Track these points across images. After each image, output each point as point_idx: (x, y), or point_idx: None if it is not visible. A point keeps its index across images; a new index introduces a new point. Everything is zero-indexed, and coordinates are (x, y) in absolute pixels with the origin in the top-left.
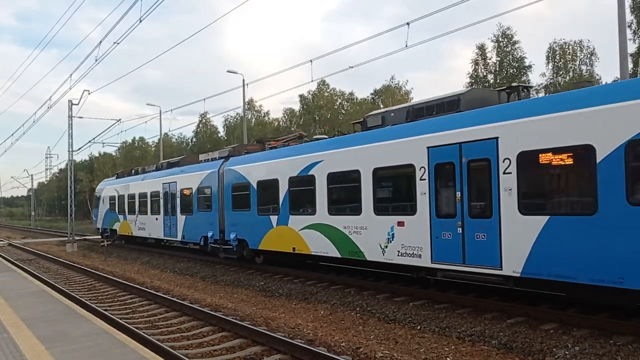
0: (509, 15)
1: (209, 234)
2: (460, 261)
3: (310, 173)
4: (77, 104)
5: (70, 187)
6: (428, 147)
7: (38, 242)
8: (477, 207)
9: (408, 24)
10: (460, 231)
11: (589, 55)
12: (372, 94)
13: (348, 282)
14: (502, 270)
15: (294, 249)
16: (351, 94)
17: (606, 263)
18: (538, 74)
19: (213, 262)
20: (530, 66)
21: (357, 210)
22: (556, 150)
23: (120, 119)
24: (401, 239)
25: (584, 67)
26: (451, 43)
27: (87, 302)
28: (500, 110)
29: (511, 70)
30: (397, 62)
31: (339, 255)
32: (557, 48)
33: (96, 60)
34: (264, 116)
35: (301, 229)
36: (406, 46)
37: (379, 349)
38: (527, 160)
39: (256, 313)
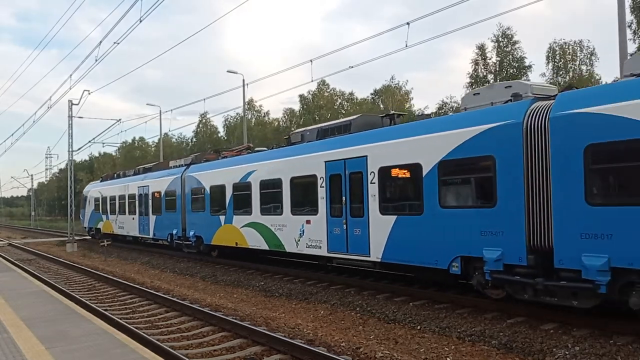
0: (509, 15)
1: (174, 232)
2: (345, 250)
3: (247, 180)
4: (77, 104)
5: (70, 187)
6: (325, 162)
7: (38, 242)
8: (355, 208)
9: (408, 23)
10: (345, 227)
11: (589, 55)
12: (372, 94)
13: (348, 282)
14: (370, 257)
15: (236, 243)
16: (351, 94)
17: (428, 250)
18: (538, 74)
19: (213, 262)
20: (530, 66)
21: (279, 211)
22: (400, 167)
23: (120, 119)
24: (309, 234)
25: (584, 67)
26: (451, 43)
27: (87, 302)
28: (369, 135)
29: (511, 70)
30: (397, 62)
31: (267, 248)
32: (557, 48)
33: (96, 60)
34: (264, 116)
35: (242, 227)
36: (406, 46)
37: (379, 349)
38: (384, 174)
39: (256, 313)
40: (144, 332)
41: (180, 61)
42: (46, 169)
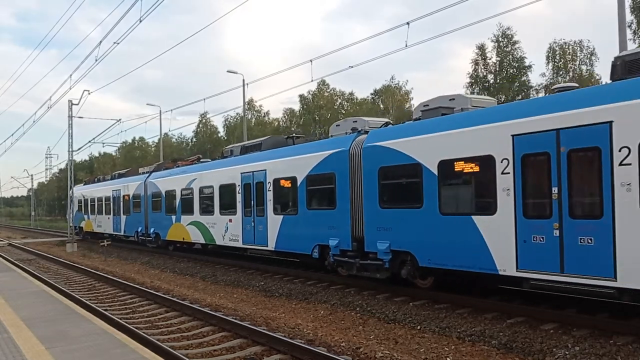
0: (509, 15)
1: (139, 229)
2: (253, 242)
3: (191, 186)
4: (77, 104)
5: (70, 187)
6: (241, 173)
7: (38, 242)
8: (259, 210)
9: (408, 23)
10: (253, 225)
11: (589, 55)
12: (372, 94)
13: (348, 282)
14: (268, 247)
15: (183, 238)
16: (351, 94)
17: (300, 240)
18: (538, 74)
19: (212, 262)
20: (530, 66)
21: (212, 212)
22: (284, 178)
23: (120, 119)
24: (231, 230)
25: (584, 67)
26: (451, 43)
27: (87, 302)
28: (268, 154)
29: (511, 70)
30: (397, 62)
31: (204, 242)
32: (557, 48)
33: (96, 60)
34: (264, 116)
35: (187, 225)
36: (406, 46)
37: (379, 349)
38: (276, 183)
39: (256, 313)
40: (144, 332)
41: (180, 61)
42: (46, 169)
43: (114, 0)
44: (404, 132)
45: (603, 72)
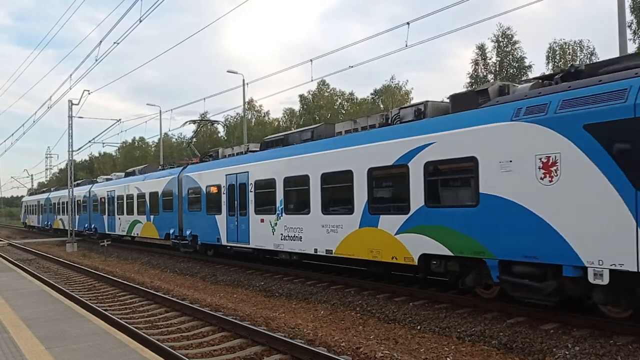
0: (510, 15)
1: (49, 222)
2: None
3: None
4: (77, 104)
5: (70, 187)
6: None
7: (38, 242)
8: (117, 212)
9: (408, 23)
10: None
11: (589, 55)
12: (372, 94)
13: (348, 282)
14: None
15: (60, 226)
16: (351, 94)
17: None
18: (538, 74)
19: (213, 262)
20: (530, 66)
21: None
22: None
23: (120, 119)
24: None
25: None
26: (451, 43)
27: (87, 302)
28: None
29: (511, 70)
30: (397, 62)
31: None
32: (557, 48)
33: (96, 60)
34: (264, 116)
35: (59, 219)
36: (406, 46)
37: (379, 349)
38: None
39: (256, 313)
40: (144, 332)
41: (180, 61)
42: (46, 169)
43: (112, 0)
44: (99, 186)
45: None
